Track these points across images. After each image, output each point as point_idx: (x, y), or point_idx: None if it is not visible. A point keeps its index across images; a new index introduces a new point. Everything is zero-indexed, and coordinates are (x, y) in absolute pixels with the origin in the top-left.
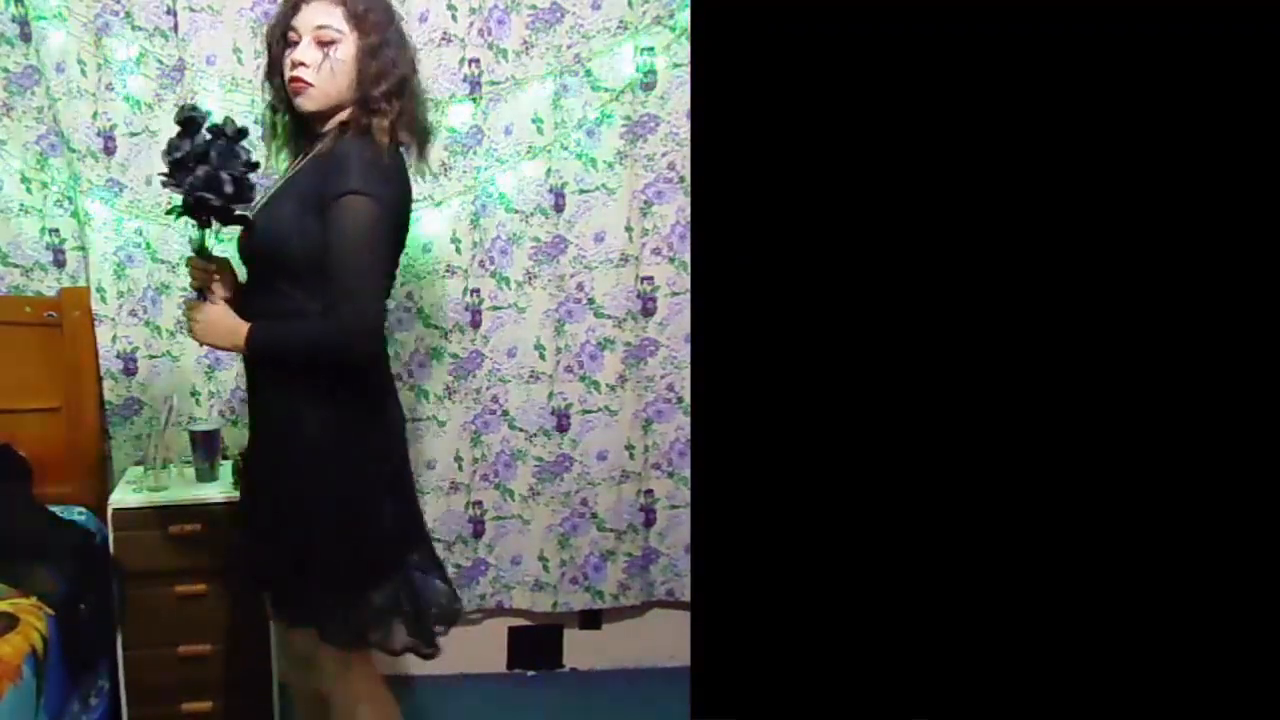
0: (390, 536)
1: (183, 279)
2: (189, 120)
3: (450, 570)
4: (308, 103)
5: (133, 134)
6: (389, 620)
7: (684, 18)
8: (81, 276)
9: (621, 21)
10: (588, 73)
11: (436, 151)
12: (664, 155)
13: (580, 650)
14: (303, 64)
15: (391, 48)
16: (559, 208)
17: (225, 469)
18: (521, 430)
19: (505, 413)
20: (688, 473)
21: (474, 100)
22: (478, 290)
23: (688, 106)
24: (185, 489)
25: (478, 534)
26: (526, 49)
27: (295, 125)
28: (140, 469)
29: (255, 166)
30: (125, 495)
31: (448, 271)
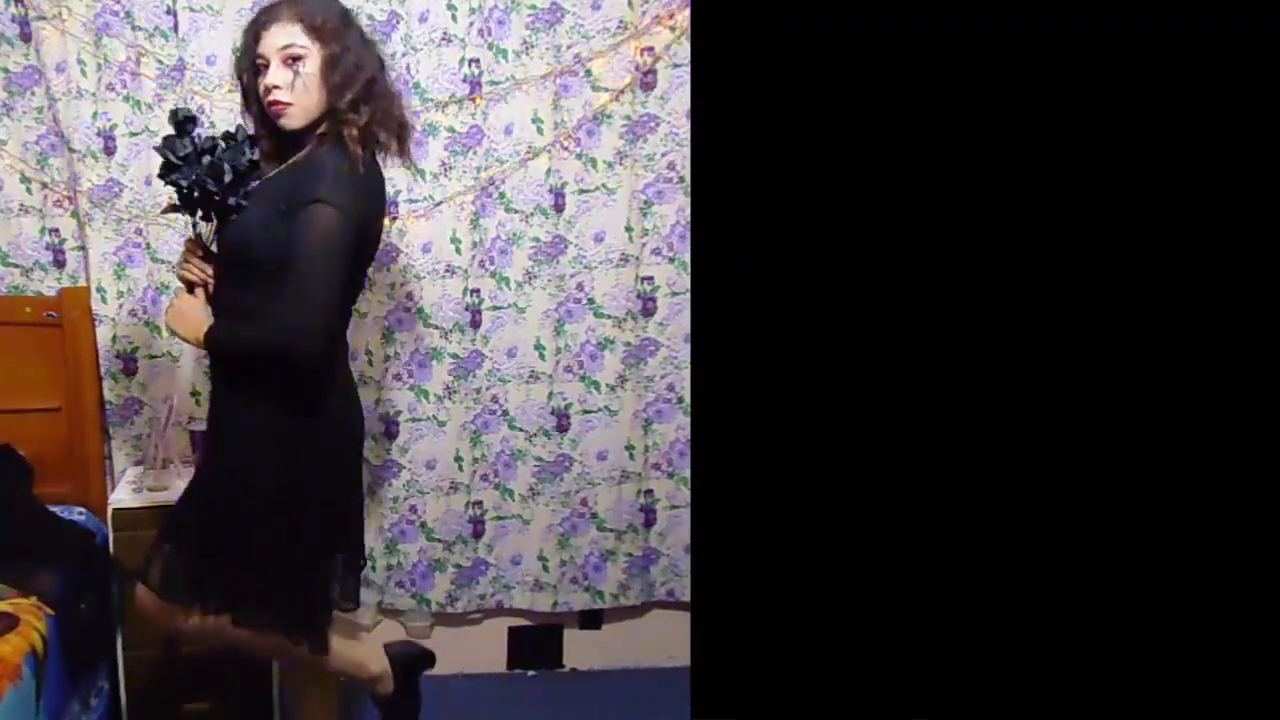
0: (313, 534)
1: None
2: (189, 119)
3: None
4: (291, 122)
5: (133, 134)
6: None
7: (684, 18)
8: (81, 276)
9: (621, 21)
10: (588, 73)
11: (436, 151)
12: (664, 155)
13: (580, 650)
14: (276, 86)
15: (352, 52)
16: (559, 208)
17: None
18: (521, 430)
19: (505, 413)
20: (688, 473)
21: (474, 100)
22: (478, 290)
23: (688, 106)
24: None
25: (478, 534)
26: (526, 49)
27: (282, 143)
28: (140, 469)
29: (257, 165)
30: (125, 495)
31: (448, 271)
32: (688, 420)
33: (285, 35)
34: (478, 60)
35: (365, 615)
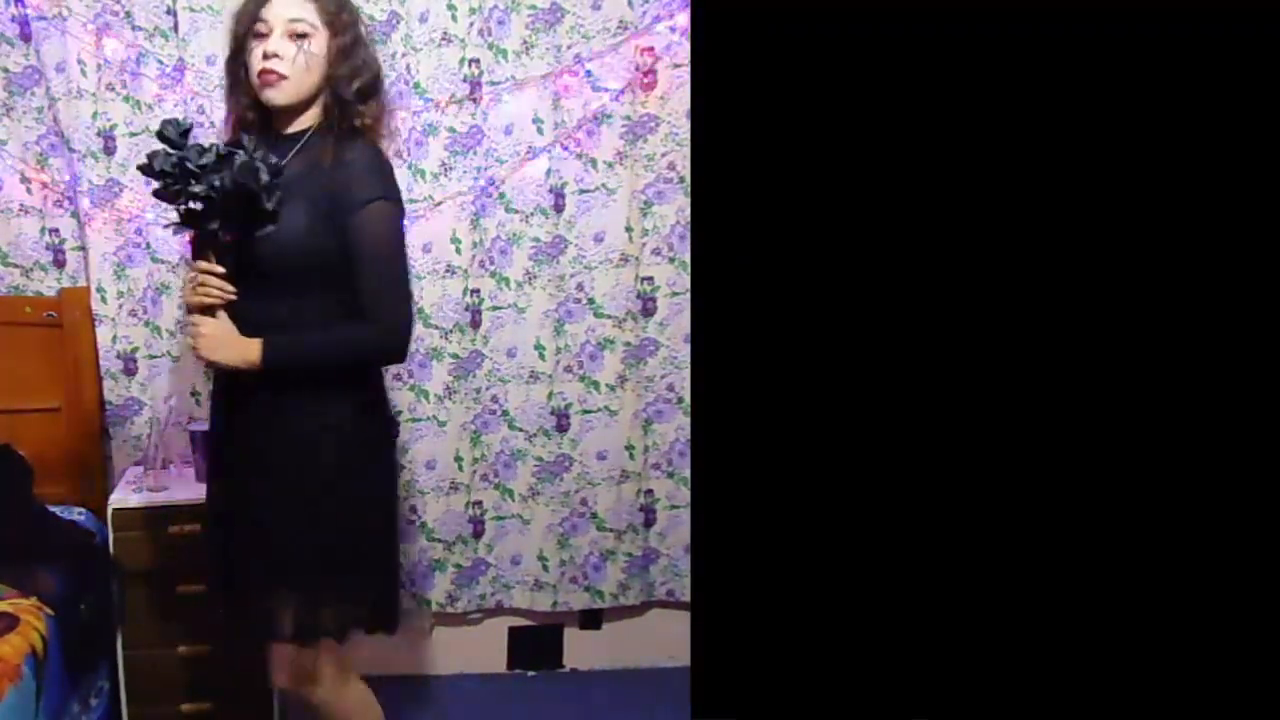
0: (393, 524)
1: (183, 279)
2: (188, 131)
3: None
4: (278, 96)
5: (133, 134)
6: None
7: (684, 18)
8: (81, 276)
9: (621, 21)
10: (588, 73)
11: (436, 151)
12: (664, 155)
13: (580, 650)
14: (276, 55)
15: (362, 46)
16: (559, 208)
17: None
18: (521, 430)
19: (505, 413)
20: (688, 473)
21: (474, 100)
22: (478, 290)
23: (688, 106)
24: (185, 489)
25: (477, 534)
26: (526, 49)
27: (259, 119)
28: (140, 469)
29: (281, 169)
30: (125, 495)
31: (448, 271)
32: (688, 420)
33: (297, 9)
34: (478, 60)
35: (424, 616)
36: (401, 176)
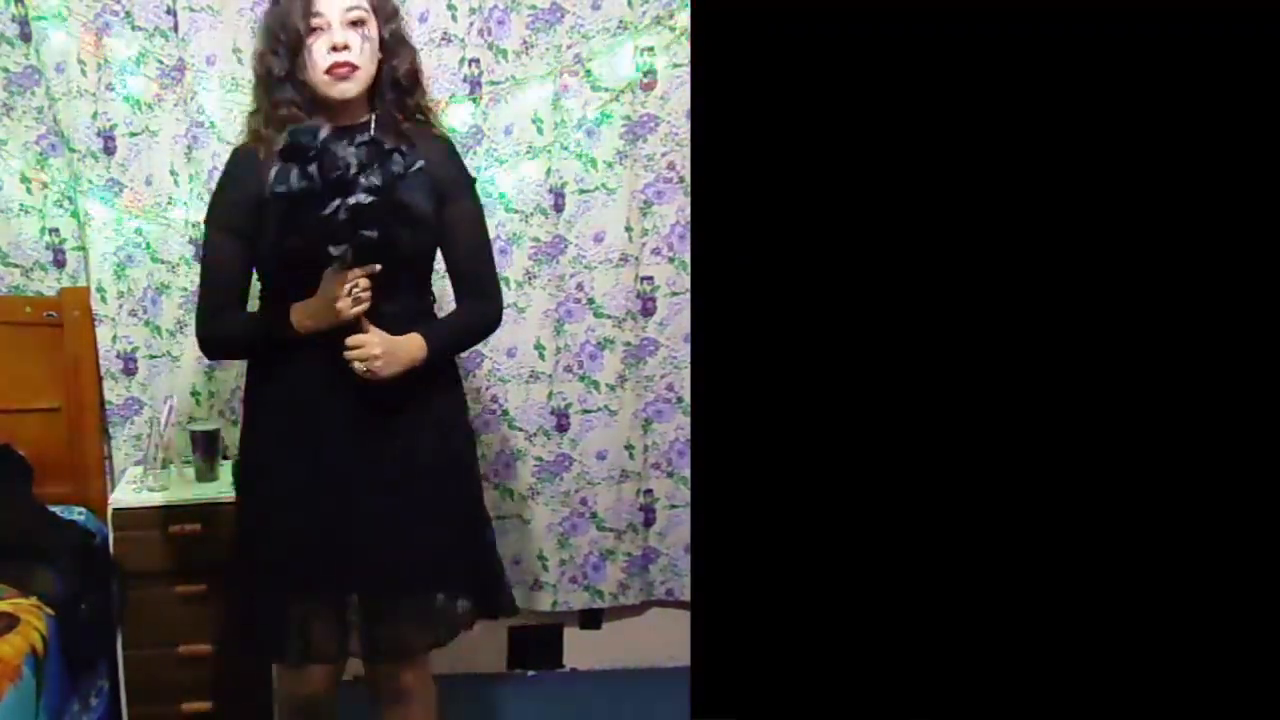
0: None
1: (183, 279)
2: (320, 135)
3: None
4: (351, 88)
5: (133, 134)
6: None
7: (684, 18)
8: (81, 276)
9: (621, 21)
10: (588, 73)
11: None
12: (664, 155)
13: (580, 650)
14: (346, 47)
15: (405, 31)
16: (559, 208)
17: (225, 469)
18: (521, 430)
19: (505, 412)
20: (687, 472)
21: (474, 100)
22: None
23: (688, 106)
24: (185, 489)
25: None
26: (526, 49)
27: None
28: (140, 469)
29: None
30: (125, 495)
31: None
32: (687, 420)
33: None
34: (478, 60)
35: None
36: None
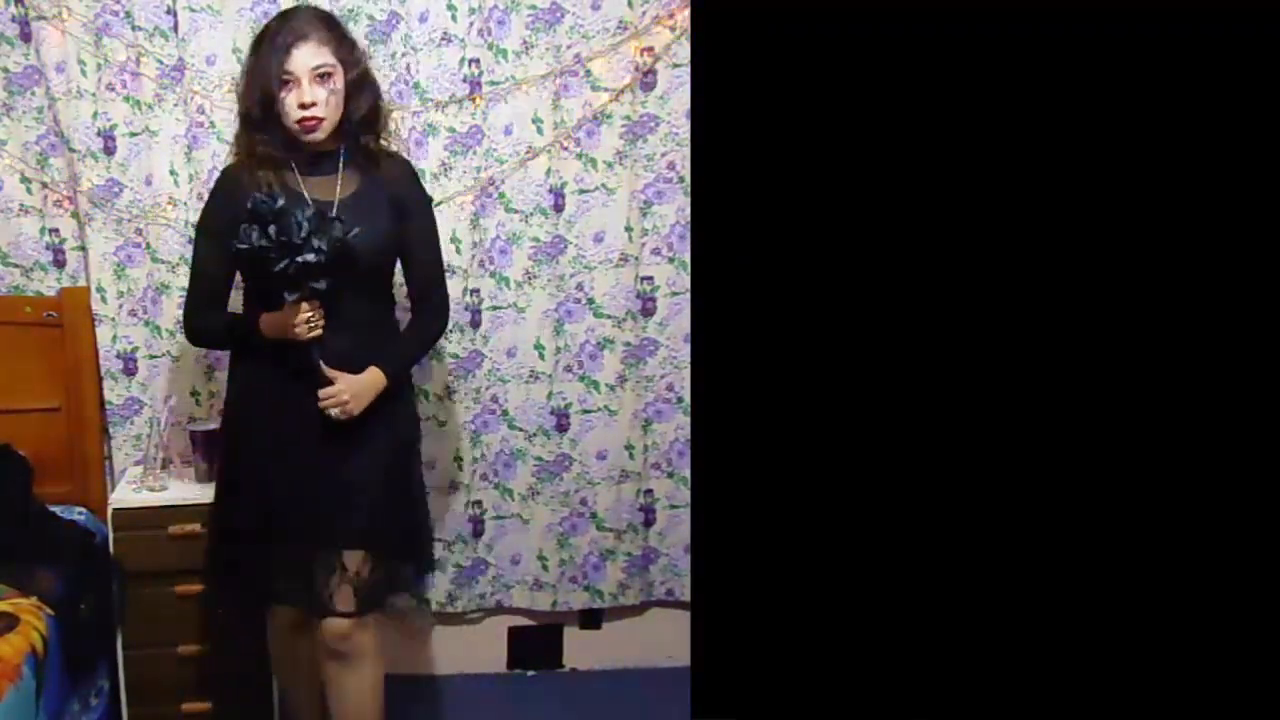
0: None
1: (182, 279)
2: (282, 204)
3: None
4: (318, 136)
5: (133, 134)
6: None
7: (684, 18)
8: (81, 276)
9: (621, 21)
10: (588, 73)
11: (436, 151)
12: (664, 155)
13: (580, 650)
14: (313, 103)
15: (370, 76)
16: (559, 208)
17: None
18: (521, 430)
19: (505, 412)
20: (688, 472)
21: (474, 100)
22: (478, 290)
23: (688, 106)
24: (185, 489)
25: (477, 533)
26: (526, 49)
27: (284, 154)
28: (140, 469)
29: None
30: (125, 495)
31: (447, 271)
32: (687, 420)
33: (317, 56)
34: (478, 60)
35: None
36: None
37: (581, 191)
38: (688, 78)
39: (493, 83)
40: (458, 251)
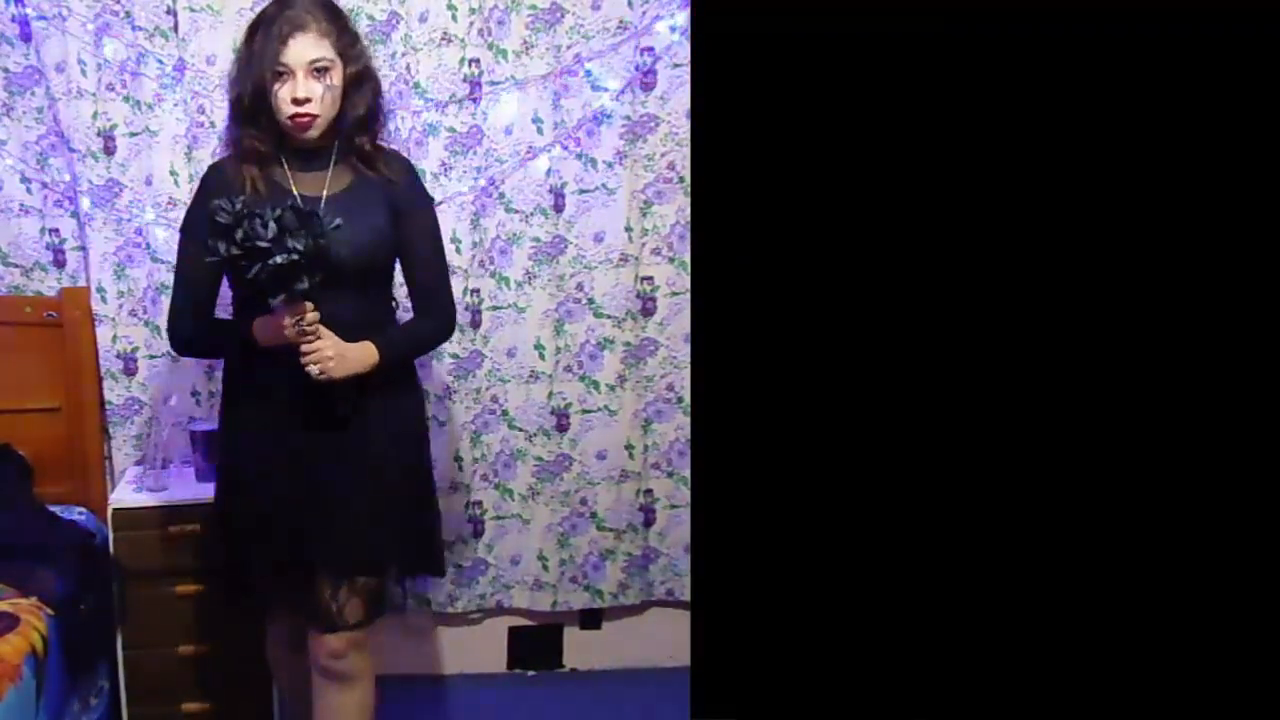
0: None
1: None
2: (242, 209)
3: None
4: (313, 133)
5: (133, 134)
6: None
7: (684, 18)
8: (81, 276)
9: (621, 21)
10: (588, 73)
11: (436, 151)
12: (664, 155)
13: (580, 650)
14: (308, 99)
15: (371, 72)
16: (559, 208)
17: None
18: (521, 430)
19: (505, 412)
20: (687, 472)
21: (474, 100)
22: (478, 290)
23: (688, 106)
24: (185, 489)
25: (477, 534)
26: (526, 49)
27: (273, 149)
28: (140, 469)
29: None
30: (125, 495)
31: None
32: (687, 420)
33: (316, 49)
34: (478, 60)
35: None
36: None
37: (581, 191)
38: (688, 78)
39: (493, 83)
40: (458, 251)
